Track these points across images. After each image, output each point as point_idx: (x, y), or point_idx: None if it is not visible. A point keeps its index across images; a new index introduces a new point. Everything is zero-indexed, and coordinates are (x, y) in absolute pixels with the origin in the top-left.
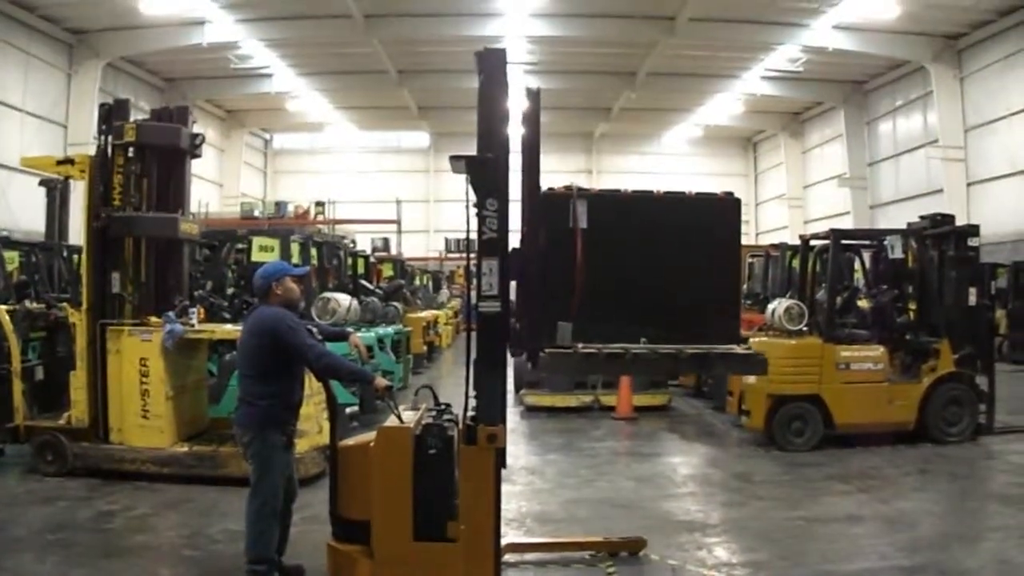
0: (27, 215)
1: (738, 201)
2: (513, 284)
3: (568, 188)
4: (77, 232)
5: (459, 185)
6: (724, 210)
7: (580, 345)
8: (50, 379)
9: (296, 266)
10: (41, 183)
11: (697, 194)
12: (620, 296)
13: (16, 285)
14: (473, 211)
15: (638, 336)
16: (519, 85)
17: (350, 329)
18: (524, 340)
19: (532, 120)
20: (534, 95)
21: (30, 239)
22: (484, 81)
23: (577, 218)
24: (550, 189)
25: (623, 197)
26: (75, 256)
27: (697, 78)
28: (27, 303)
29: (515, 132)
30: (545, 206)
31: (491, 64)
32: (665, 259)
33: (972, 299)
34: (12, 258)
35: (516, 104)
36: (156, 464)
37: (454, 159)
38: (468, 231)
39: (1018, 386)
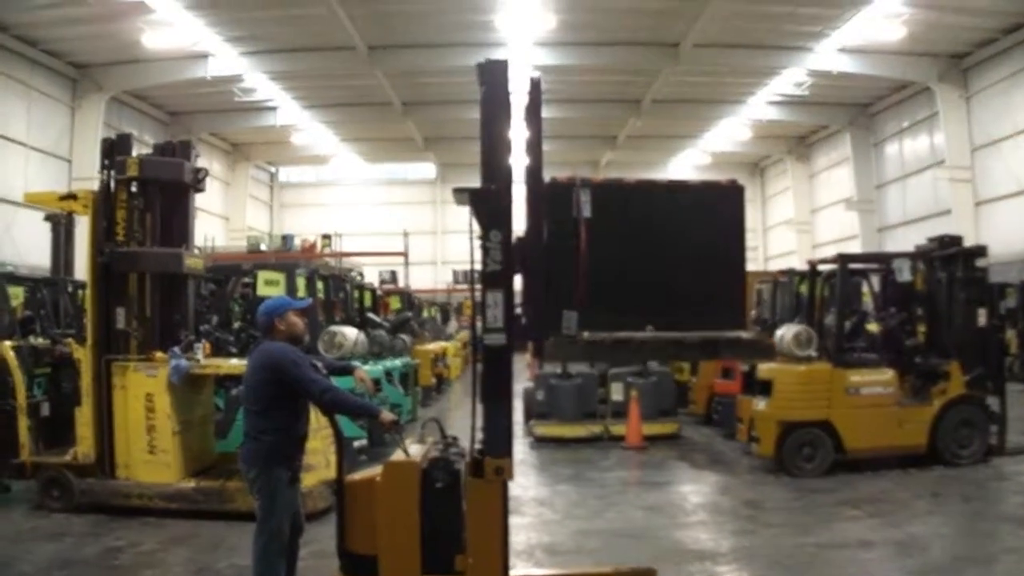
0: (32, 250)
1: (742, 189)
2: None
3: (571, 177)
4: (82, 267)
5: (466, 216)
6: (728, 198)
7: (586, 333)
8: (56, 415)
9: (300, 300)
10: (46, 218)
11: (701, 182)
12: (625, 285)
13: (21, 320)
14: (477, 243)
15: (643, 325)
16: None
17: (356, 363)
18: (529, 330)
19: (534, 110)
20: (535, 85)
21: (35, 274)
22: (486, 96)
23: (581, 207)
24: (553, 179)
25: (627, 186)
26: (80, 291)
27: (703, 104)
28: (32, 339)
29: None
30: (549, 196)
31: (493, 77)
32: (670, 247)
33: (982, 320)
34: (17, 293)
35: (518, 102)
36: (163, 499)
37: (457, 191)
38: (472, 263)
39: None
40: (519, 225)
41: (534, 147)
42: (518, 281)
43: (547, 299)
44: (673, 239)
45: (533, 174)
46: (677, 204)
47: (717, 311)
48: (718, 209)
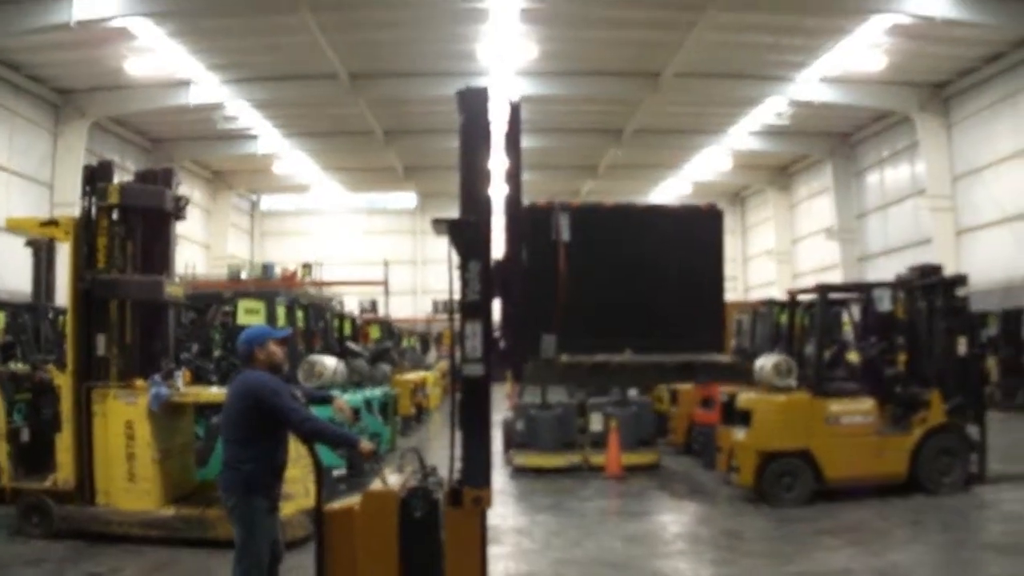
0: (13, 275)
1: (720, 212)
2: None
3: (550, 201)
4: (63, 293)
5: (446, 246)
6: (707, 221)
7: (564, 357)
8: (36, 441)
9: (279, 329)
10: (27, 243)
11: (679, 206)
12: (603, 308)
13: (2, 346)
14: (456, 273)
15: (622, 348)
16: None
17: (335, 392)
18: (508, 354)
19: (513, 135)
20: (514, 109)
21: (16, 300)
22: (465, 124)
23: (560, 231)
24: (533, 203)
25: (606, 210)
26: (61, 317)
27: (684, 134)
28: (13, 364)
29: (498, 149)
30: (528, 220)
31: (473, 104)
32: (648, 271)
33: (962, 349)
34: None
35: (499, 128)
36: (143, 527)
37: (436, 222)
38: (451, 293)
39: (1011, 434)
40: (499, 249)
41: (513, 172)
42: (497, 305)
43: (526, 323)
44: (652, 263)
45: (512, 198)
46: (656, 228)
47: (696, 334)
48: (697, 233)
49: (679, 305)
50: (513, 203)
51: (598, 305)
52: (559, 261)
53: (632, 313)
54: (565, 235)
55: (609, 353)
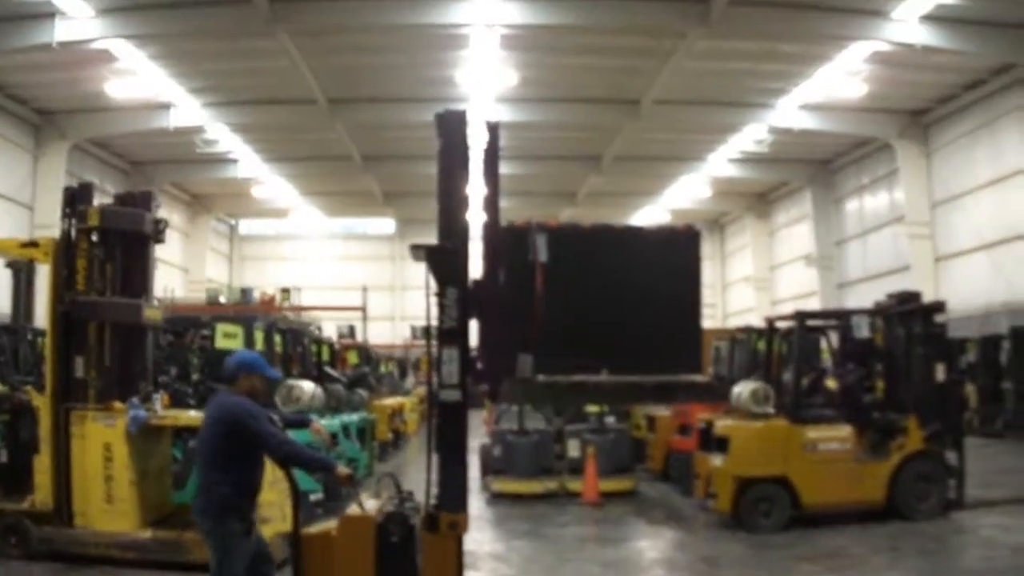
0: None
1: (698, 233)
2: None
3: (527, 221)
4: (42, 315)
5: (424, 272)
6: (684, 242)
7: (541, 376)
8: (14, 462)
9: (274, 369)
10: (7, 265)
11: (657, 227)
12: (581, 328)
13: None
14: (434, 299)
15: (600, 368)
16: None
17: (312, 416)
18: (485, 373)
19: (491, 154)
20: (492, 128)
21: None
22: (443, 147)
23: (537, 251)
24: (510, 222)
25: (583, 230)
26: (40, 339)
27: (663, 161)
28: None
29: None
30: (505, 240)
31: (451, 127)
32: (626, 291)
33: (940, 375)
34: None
35: (477, 150)
36: (120, 549)
37: (414, 248)
38: (428, 319)
39: (989, 460)
40: (476, 270)
41: (492, 192)
42: (474, 325)
43: (503, 343)
44: (629, 283)
45: (490, 218)
46: (633, 248)
47: (673, 355)
48: (674, 254)
49: (657, 326)
50: (491, 223)
51: (575, 325)
52: (536, 281)
53: (609, 333)
54: (542, 255)
55: (586, 373)
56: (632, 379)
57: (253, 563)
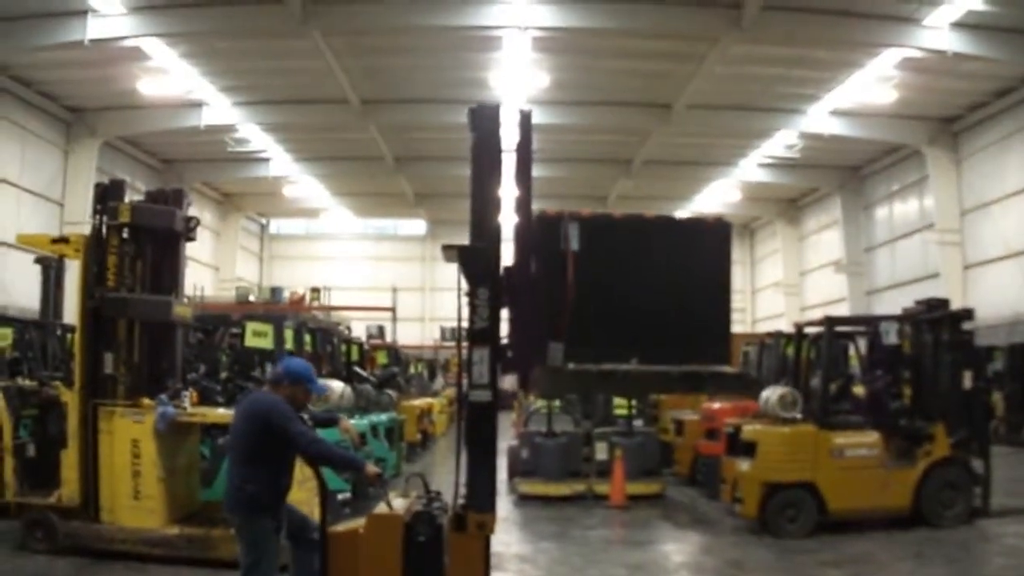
0: (22, 292)
1: (728, 226)
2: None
3: (560, 211)
4: (71, 311)
5: (455, 273)
6: (714, 234)
7: (571, 365)
8: (42, 457)
9: (320, 385)
10: (37, 260)
11: (689, 218)
12: (611, 318)
13: (9, 362)
14: (465, 300)
15: (628, 357)
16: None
17: (341, 415)
18: (515, 362)
19: (524, 144)
20: (525, 118)
21: (24, 316)
22: (477, 143)
23: (569, 240)
24: (542, 211)
25: (615, 220)
26: (69, 335)
27: (694, 166)
28: (20, 380)
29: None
30: (537, 229)
31: (484, 122)
32: (656, 282)
33: (968, 383)
34: (6, 335)
35: (510, 143)
36: (146, 545)
37: (446, 248)
38: (460, 319)
39: (1015, 468)
40: (507, 258)
41: (523, 182)
42: (505, 315)
43: (534, 331)
44: (660, 274)
45: (523, 207)
46: (664, 239)
47: (702, 346)
48: (705, 245)
49: (686, 316)
50: (524, 213)
51: (605, 315)
52: (568, 270)
53: (639, 323)
54: (574, 244)
55: (616, 363)
56: (660, 368)
57: (299, 531)
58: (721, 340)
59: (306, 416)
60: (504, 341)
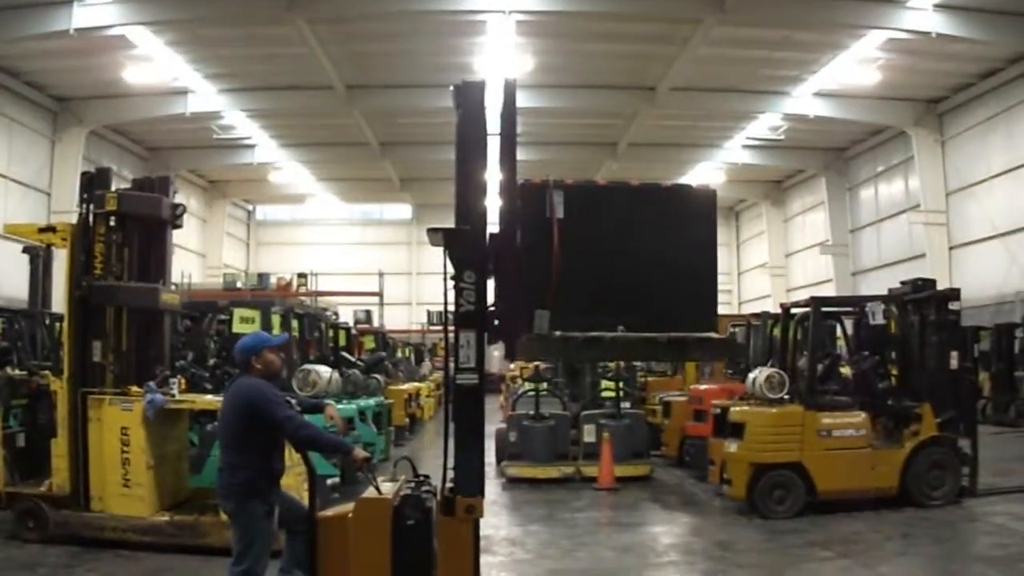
0: (10, 281)
1: (714, 192)
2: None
3: (544, 180)
4: (60, 299)
5: (441, 257)
6: (700, 201)
7: (557, 332)
8: (31, 446)
9: (275, 336)
10: (25, 250)
11: (673, 185)
12: (597, 286)
13: None
14: (451, 283)
15: (615, 326)
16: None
17: (328, 401)
18: (501, 330)
19: (508, 112)
20: (510, 86)
21: (12, 306)
22: (462, 119)
23: (554, 208)
24: (527, 180)
25: (599, 188)
26: (57, 324)
27: (679, 148)
28: (9, 370)
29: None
30: (522, 197)
31: (470, 98)
32: (641, 249)
33: (954, 363)
34: None
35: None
36: (137, 533)
37: (432, 231)
38: (446, 303)
39: (1002, 448)
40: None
41: (509, 150)
42: (492, 282)
43: (519, 299)
44: (645, 241)
45: (507, 175)
46: (649, 206)
47: (688, 313)
48: (690, 212)
49: (672, 283)
50: (509, 181)
51: (591, 282)
52: (553, 238)
53: (625, 290)
54: (559, 212)
55: (602, 331)
56: (646, 335)
57: (290, 516)
58: (708, 307)
59: (294, 402)
60: (491, 309)
